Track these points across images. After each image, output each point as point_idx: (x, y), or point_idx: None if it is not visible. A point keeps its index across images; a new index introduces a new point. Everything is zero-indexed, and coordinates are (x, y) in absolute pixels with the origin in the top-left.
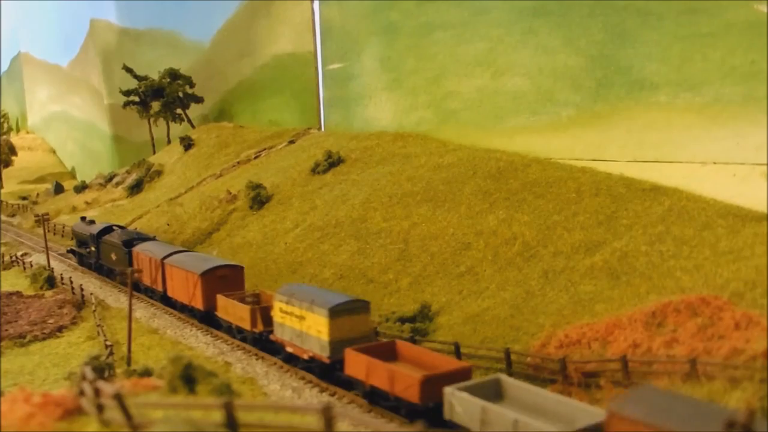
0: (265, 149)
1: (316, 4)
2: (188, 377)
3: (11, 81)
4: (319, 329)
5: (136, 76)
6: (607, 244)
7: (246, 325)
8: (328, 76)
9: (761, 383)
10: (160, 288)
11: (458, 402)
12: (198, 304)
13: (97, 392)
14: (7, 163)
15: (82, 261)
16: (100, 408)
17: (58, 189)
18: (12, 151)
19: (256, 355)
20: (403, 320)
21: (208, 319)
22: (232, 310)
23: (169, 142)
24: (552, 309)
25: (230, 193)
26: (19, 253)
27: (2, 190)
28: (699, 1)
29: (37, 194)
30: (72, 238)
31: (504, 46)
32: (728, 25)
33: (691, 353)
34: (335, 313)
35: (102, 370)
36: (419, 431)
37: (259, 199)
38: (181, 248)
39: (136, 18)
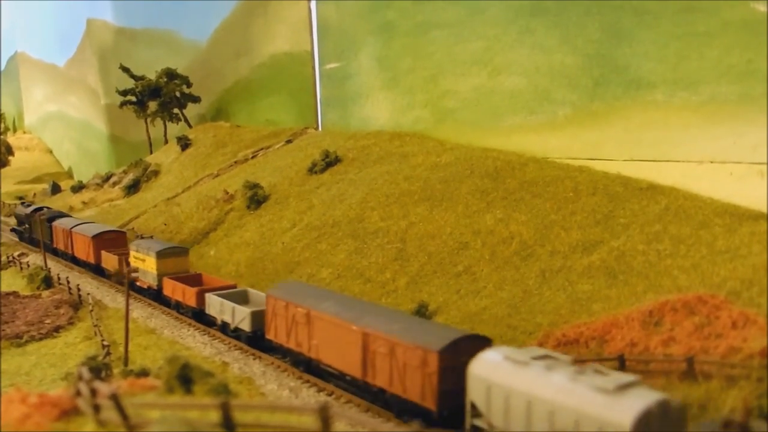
0: (262, 149)
1: (312, 4)
2: (185, 377)
3: (8, 81)
4: (152, 267)
5: (132, 76)
6: (605, 243)
7: (113, 269)
8: (325, 76)
9: (758, 381)
10: (69, 251)
11: (209, 300)
12: (90, 259)
13: (93, 392)
14: (4, 163)
15: (23, 237)
16: (96, 408)
17: (55, 189)
18: (9, 151)
19: (253, 355)
20: None
21: (99, 271)
22: (110, 261)
23: (166, 141)
24: (549, 308)
25: (227, 193)
26: (15, 254)
27: None
28: (696, 0)
29: (34, 194)
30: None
31: (501, 45)
32: (725, 24)
33: (689, 352)
34: (160, 255)
35: (99, 370)
36: (416, 431)
37: (256, 198)
38: (88, 221)
39: (133, 17)
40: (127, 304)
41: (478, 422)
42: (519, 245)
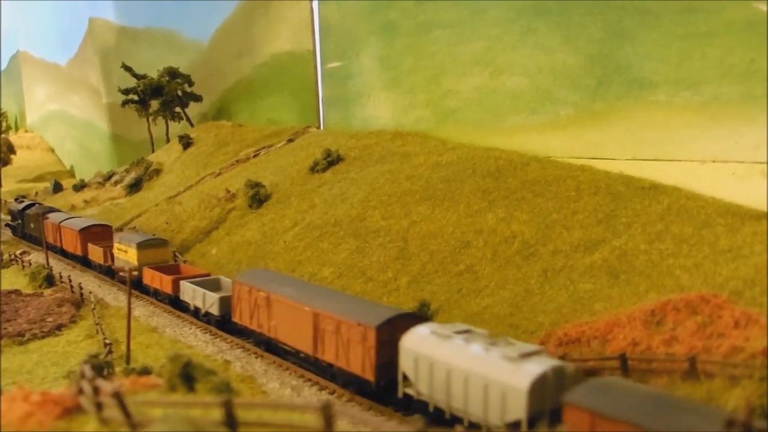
0: (264, 148)
1: (314, 3)
2: (187, 375)
3: (10, 80)
4: (133, 257)
5: (134, 75)
6: (607, 243)
7: (101, 261)
8: (327, 75)
9: (761, 381)
10: (59, 244)
11: (183, 287)
12: (78, 251)
13: (96, 391)
14: (6, 162)
15: (16, 232)
16: (99, 406)
17: (57, 188)
18: (11, 149)
19: (255, 353)
20: None
21: (86, 262)
22: (96, 253)
23: (168, 140)
24: (551, 307)
25: (229, 192)
26: (18, 252)
27: (1, 189)
28: (697, 0)
29: (36, 193)
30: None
31: (503, 44)
32: (727, 24)
33: (691, 351)
34: (141, 246)
35: (101, 368)
36: (418, 430)
37: (258, 197)
38: (76, 216)
39: (135, 17)
40: (129, 303)
41: (408, 390)
42: (521, 244)
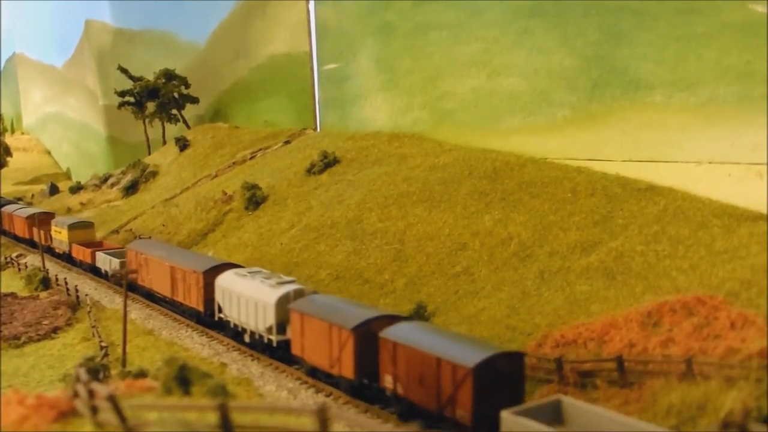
0: (260, 150)
1: (311, 5)
2: (183, 379)
3: (6, 82)
4: (65, 237)
5: (131, 77)
6: (603, 244)
7: (42, 241)
8: (324, 77)
9: (757, 382)
10: (12, 230)
11: (98, 257)
12: (26, 235)
13: (91, 394)
14: (3, 165)
15: None
16: (94, 410)
17: (53, 190)
18: (7, 152)
19: (251, 356)
20: None
21: (32, 243)
22: (38, 235)
23: (164, 142)
24: (548, 309)
25: (226, 194)
26: (13, 255)
27: None
28: (694, 1)
29: (32, 195)
30: None
31: (499, 46)
32: (723, 26)
33: (687, 353)
34: (71, 227)
35: (97, 371)
36: (415, 431)
37: (254, 199)
38: (25, 206)
39: (131, 19)
40: (125, 306)
41: (221, 315)
42: (517, 246)
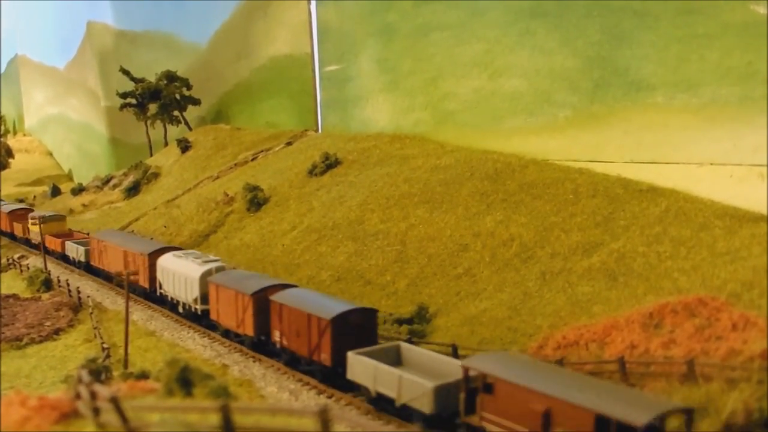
0: (262, 151)
1: (312, 6)
2: (185, 380)
3: (8, 83)
4: (38, 229)
5: (133, 79)
6: (605, 246)
7: (20, 233)
8: (326, 78)
9: (759, 384)
10: None
11: (68, 246)
12: (8, 229)
13: (93, 395)
14: (4, 166)
15: None
16: (96, 411)
17: (55, 192)
18: (9, 153)
19: (253, 357)
20: (400, 322)
21: (13, 237)
22: (18, 228)
23: (166, 144)
24: (549, 310)
25: (227, 195)
26: (15, 256)
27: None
28: (696, 2)
29: (34, 197)
30: None
31: (501, 47)
32: (725, 26)
33: (689, 354)
34: (44, 220)
35: (99, 372)
36: None
37: (256, 201)
38: (6, 203)
39: (133, 20)
40: (127, 307)
41: (161, 291)
42: (519, 247)
